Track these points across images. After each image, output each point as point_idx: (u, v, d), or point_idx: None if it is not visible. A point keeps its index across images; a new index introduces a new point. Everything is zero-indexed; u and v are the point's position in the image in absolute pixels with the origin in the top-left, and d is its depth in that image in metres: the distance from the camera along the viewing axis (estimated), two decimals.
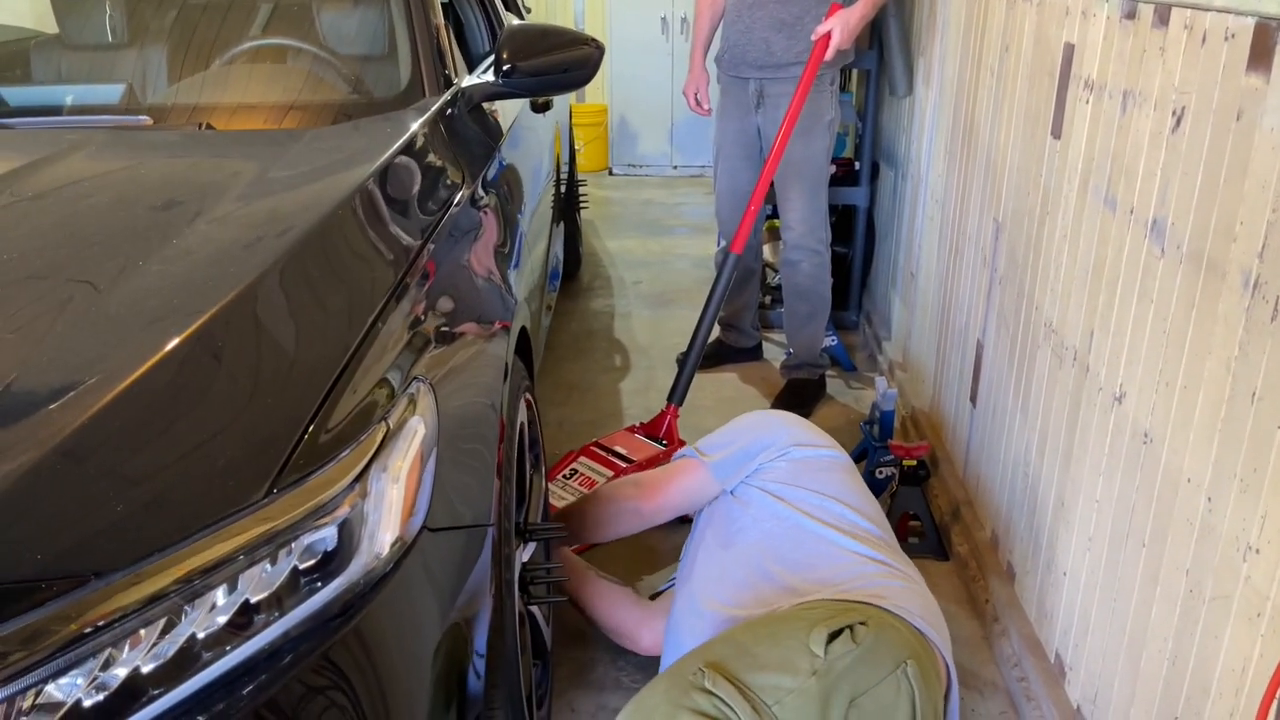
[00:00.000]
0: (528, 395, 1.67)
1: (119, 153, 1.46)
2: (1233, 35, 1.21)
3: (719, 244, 3.17)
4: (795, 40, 2.72)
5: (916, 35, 2.96)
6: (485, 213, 1.75)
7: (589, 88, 6.45)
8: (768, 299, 3.63)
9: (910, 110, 3.03)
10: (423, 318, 1.28)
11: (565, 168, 3.89)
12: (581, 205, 4.32)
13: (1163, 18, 1.39)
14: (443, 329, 1.33)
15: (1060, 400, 1.74)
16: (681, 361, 2.73)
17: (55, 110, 1.87)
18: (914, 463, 2.24)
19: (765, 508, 1.74)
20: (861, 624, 1.34)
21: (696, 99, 3.05)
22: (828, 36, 2.58)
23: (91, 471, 0.87)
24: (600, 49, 2.09)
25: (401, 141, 1.55)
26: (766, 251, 3.55)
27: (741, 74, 2.84)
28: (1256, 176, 1.15)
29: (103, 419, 0.90)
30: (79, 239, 1.21)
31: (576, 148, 4.76)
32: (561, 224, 3.56)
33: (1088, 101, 1.65)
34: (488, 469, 1.27)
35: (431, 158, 1.64)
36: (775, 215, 3.14)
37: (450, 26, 2.39)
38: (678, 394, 2.59)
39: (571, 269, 4.16)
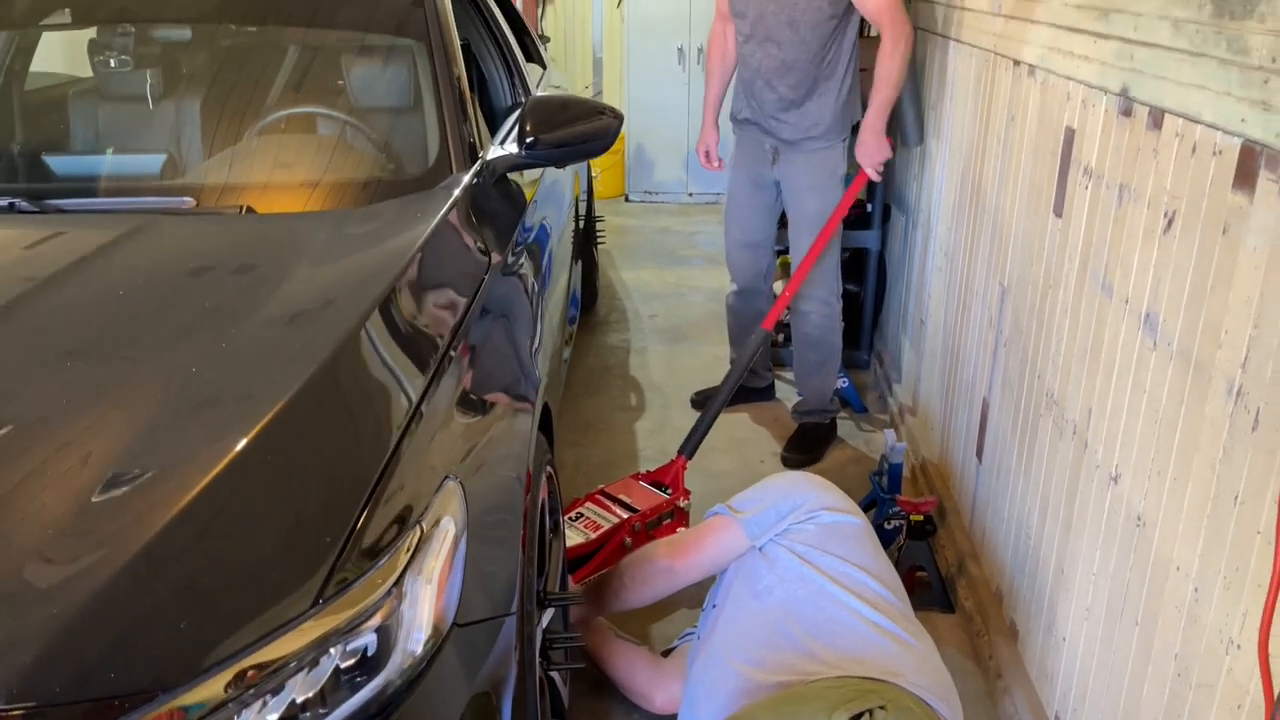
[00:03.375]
0: (549, 468, 1.75)
1: (165, 245, 1.54)
2: (1220, 151, 1.27)
3: (731, 287, 3.24)
4: (803, 118, 2.80)
5: (927, 89, 3.02)
6: (511, 288, 1.83)
7: None
8: (780, 336, 3.69)
9: (921, 160, 3.10)
10: (454, 409, 1.36)
11: (584, 202, 3.98)
12: (599, 240, 4.40)
13: (1156, 121, 1.46)
14: (472, 417, 1.41)
15: (1061, 470, 1.81)
16: (699, 413, 2.81)
17: (95, 181, 1.96)
18: (921, 518, 2.30)
19: (792, 569, 1.82)
20: (881, 708, 1.41)
21: (707, 155, 3.12)
22: (862, 175, 2.84)
23: (157, 589, 0.95)
24: (619, 118, 2.17)
25: (432, 227, 1.63)
26: (778, 287, 3.62)
27: (757, 131, 2.92)
28: (1240, 290, 1.22)
29: (165, 538, 0.98)
30: (123, 341, 1.29)
31: (594, 174, 4.85)
32: (579, 261, 3.64)
33: (1087, 187, 1.72)
34: (512, 554, 1.35)
35: (460, 240, 1.72)
36: (787, 251, 3.22)
37: (472, 77, 2.48)
38: (690, 447, 2.67)
39: (588, 303, 4.25)
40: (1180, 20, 1.38)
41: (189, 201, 1.72)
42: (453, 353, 1.43)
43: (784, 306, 2.90)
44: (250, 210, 1.70)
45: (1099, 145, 1.67)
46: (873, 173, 2.82)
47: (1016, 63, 2.13)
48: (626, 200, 6.25)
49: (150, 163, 2.01)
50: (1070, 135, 1.80)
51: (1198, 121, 1.33)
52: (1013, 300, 2.13)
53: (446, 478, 1.22)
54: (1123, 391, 1.55)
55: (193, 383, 1.19)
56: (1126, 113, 1.56)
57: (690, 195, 6.21)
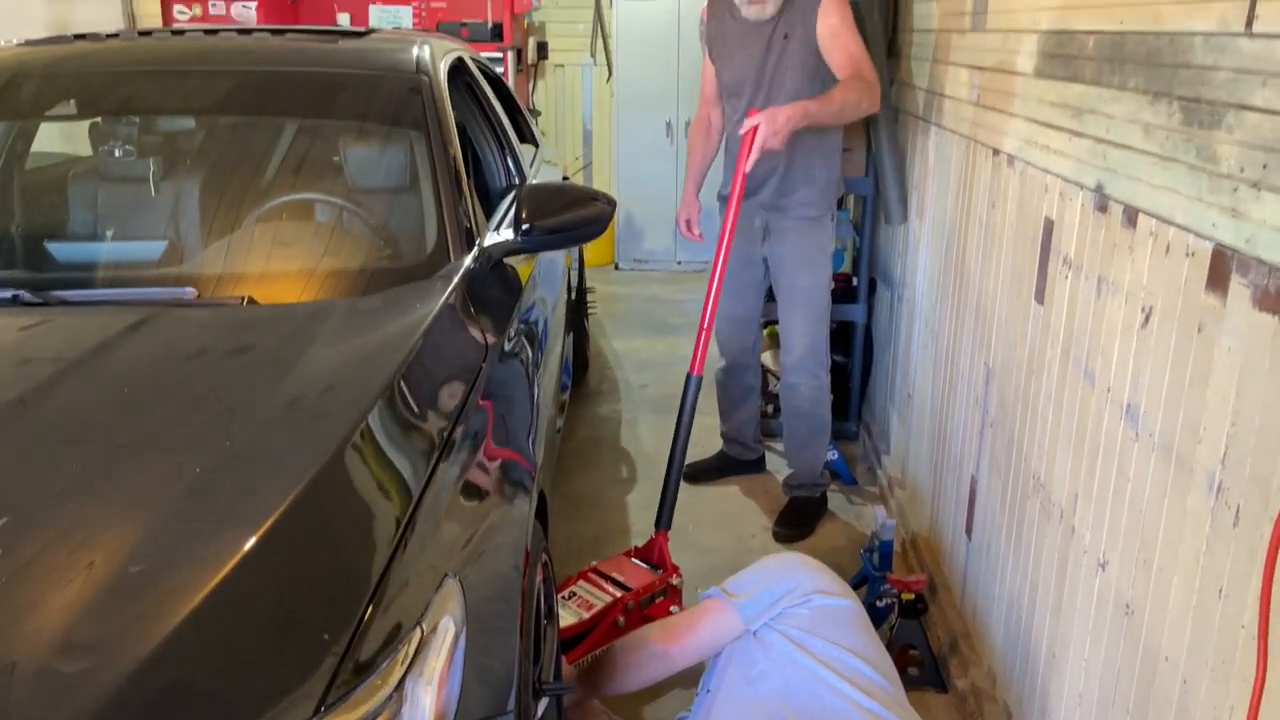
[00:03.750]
0: (544, 555, 1.76)
1: (168, 340, 1.57)
2: (1193, 253, 1.33)
3: (720, 362, 3.28)
4: (788, 183, 2.86)
5: (910, 169, 3.11)
6: (509, 373, 1.86)
7: (597, 185, 6.65)
8: (769, 407, 3.73)
9: (905, 236, 3.17)
10: (454, 500, 1.38)
11: (575, 272, 4.03)
12: (590, 310, 4.45)
13: (1131, 219, 1.51)
14: (471, 508, 1.43)
15: (1049, 553, 1.83)
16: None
17: (98, 269, 2.00)
18: (912, 596, 2.32)
19: (786, 654, 1.82)
20: None
21: (688, 224, 3.17)
22: (753, 131, 2.54)
23: (157, 693, 0.96)
24: (612, 204, 2.22)
25: (432, 317, 1.67)
26: (767, 358, 3.67)
27: (748, 208, 2.98)
28: (1217, 389, 1.26)
29: (165, 641, 0.99)
30: (125, 438, 1.31)
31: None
32: (571, 332, 3.69)
33: (1067, 276, 1.77)
34: (510, 646, 1.36)
35: (459, 329, 1.75)
36: (775, 322, 3.26)
37: (467, 158, 2.54)
38: (663, 519, 2.67)
39: (580, 373, 4.28)
40: (1151, 125, 1.44)
41: (191, 292, 1.75)
42: (452, 443, 1.45)
43: (705, 347, 2.81)
44: (252, 301, 1.73)
45: (1077, 237, 1.73)
46: (754, 147, 2.52)
47: (996, 151, 2.20)
48: (616, 268, 6.33)
49: (152, 250, 2.05)
50: (1049, 225, 1.86)
51: (1170, 223, 1.38)
52: (998, 381, 2.17)
53: (446, 576, 1.23)
54: (1108, 479, 1.58)
55: (196, 482, 1.21)
56: (1102, 208, 1.62)
57: (679, 263, 6.30)
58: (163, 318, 1.64)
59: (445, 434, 1.46)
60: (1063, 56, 1.78)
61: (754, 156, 2.58)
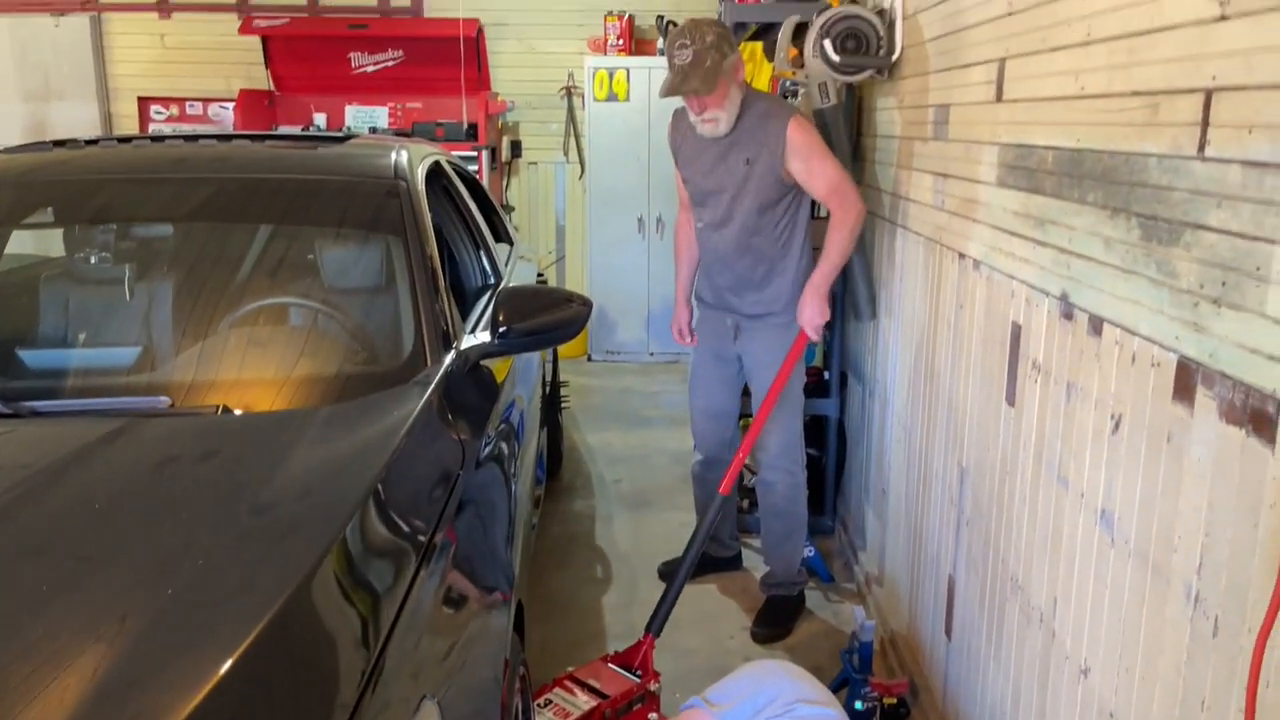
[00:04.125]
0: (522, 667, 1.73)
1: (143, 451, 1.55)
2: (1158, 364, 1.36)
3: (696, 456, 3.28)
4: (763, 294, 2.92)
5: (878, 268, 3.18)
6: (487, 479, 1.85)
7: (570, 278, 6.73)
8: (745, 502, 3.72)
9: (875, 333, 3.23)
10: (433, 614, 1.36)
11: (549, 365, 4.05)
12: (563, 405, 4.45)
13: (1096, 328, 1.55)
14: (450, 621, 1.41)
15: (1031, 658, 1.82)
16: (665, 585, 2.79)
17: (71, 378, 1.98)
18: (894, 700, 2.29)
19: None
20: None
21: (681, 332, 3.21)
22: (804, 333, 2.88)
23: None
24: (588, 305, 2.25)
25: (409, 425, 1.66)
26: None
27: (719, 308, 3.03)
28: (1189, 499, 1.28)
29: None
30: (96, 554, 1.28)
31: None
32: (545, 427, 3.68)
33: (1036, 381, 1.81)
34: None
35: (436, 436, 1.75)
36: (751, 414, 3.27)
37: (443, 259, 2.56)
38: (656, 624, 2.64)
39: (553, 468, 4.25)
40: (1111, 239, 1.49)
41: (165, 401, 1.74)
42: (431, 554, 1.44)
43: (738, 470, 2.92)
44: (227, 410, 1.72)
45: (1045, 343, 1.77)
46: (812, 333, 2.87)
47: (961, 255, 2.26)
48: (589, 360, 6.36)
49: (126, 357, 2.03)
50: (1017, 329, 1.90)
51: (1135, 334, 1.42)
52: (972, 481, 2.18)
53: (424, 697, 1.20)
54: (1086, 584, 1.58)
55: (167, 602, 1.18)
56: (1068, 316, 1.66)
57: (651, 355, 6.34)
58: (136, 428, 1.62)
59: (424, 544, 1.45)
60: (1023, 169, 1.85)
61: (819, 337, 2.94)
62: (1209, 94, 1.24)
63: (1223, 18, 1.21)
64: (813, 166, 2.77)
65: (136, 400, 1.76)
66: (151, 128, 6.21)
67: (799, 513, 3.06)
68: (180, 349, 2.03)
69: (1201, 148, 1.25)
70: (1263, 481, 1.12)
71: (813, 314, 2.84)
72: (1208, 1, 1.24)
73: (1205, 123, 1.25)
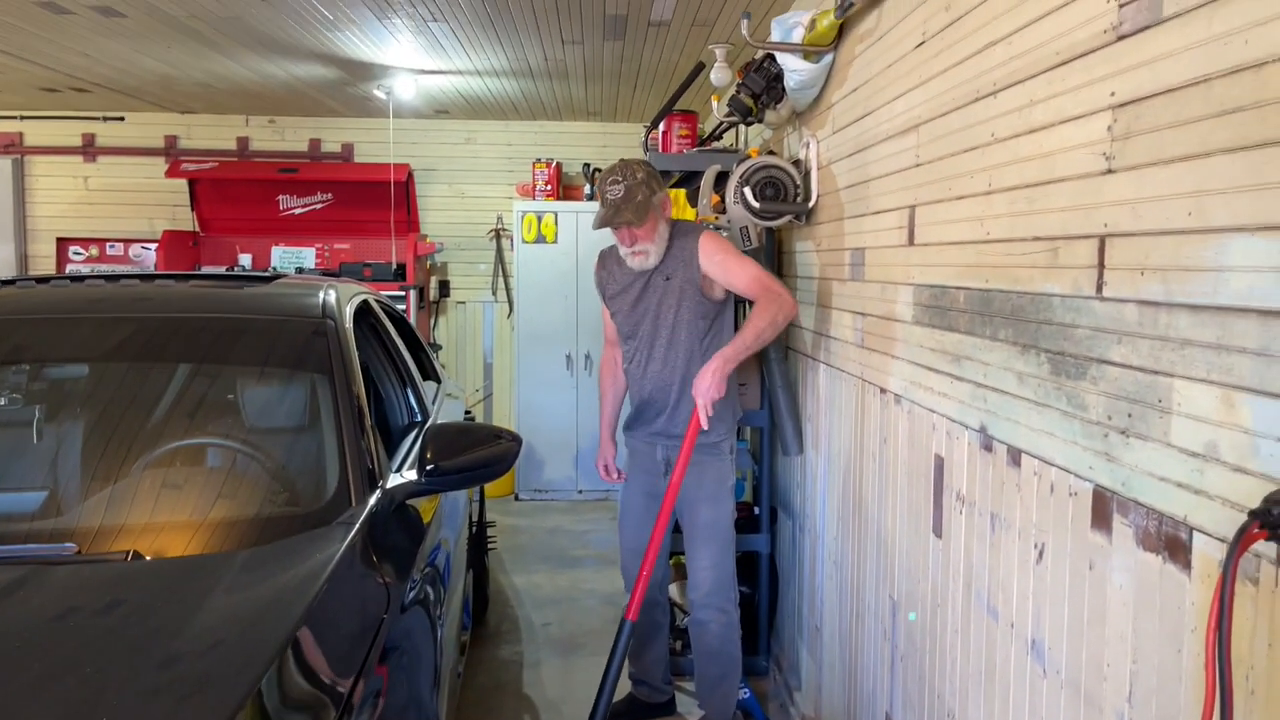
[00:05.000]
0: None
1: (44, 603, 1.46)
2: (1075, 493, 1.41)
3: (627, 597, 3.21)
4: (685, 411, 2.95)
5: (804, 402, 3.24)
6: (412, 622, 1.78)
7: (498, 416, 6.70)
8: (678, 644, 3.63)
9: (803, 467, 3.26)
10: None
11: (476, 504, 3.97)
12: (490, 546, 4.35)
13: (1015, 459, 1.60)
14: None
15: None
16: None
17: None
18: None
19: None
20: None
21: (606, 469, 3.22)
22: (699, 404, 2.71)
23: None
24: (517, 441, 2.24)
25: (330, 569, 1.60)
26: (674, 590, 3.61)
27: (650, 440, 3.04)
28: (1115, 626, 1.30)
29: None
30: None
31: None
32: (471, 569, 3.58)
33: (961, 512, 1.84)
34: None
35: (360, 580, 1.69)
36: (682, 551, 3.23)
37: (370, 397, 2.53)
38: None
39: (479, 612, 4.12)
40: (1024, 374, 1.56)
41: (71, 548, 1.65)
42: (353, 707, 1.36)
43: (644, 589, 2.83)
44: (138, 555, 1.64)
45: (967, 474, 1.81)
46: (703, 407, 2.65)
47: (883, 390, 2.33)
48: (516, 499, 6.26)
49: (30, 502, 1.94)
50: (940, 462, 1.95)
51: (1051, 464, 1.47)
52: (904, 615, 2.18)
53: None
54: (1021, 717, 1.57)
55: None
56: (988, 448, 1.71)
57: (580, 492, 6.28)
58: (38, 577, 1.53)
59: (345, 697, 1.37)
60: (937, 308, 1.94)
61: (706, 416, 2.66)
62: (1103, 239, 1.33)
63: (1110, 171, 1.32)
64: (729, 265, 2.83)
65: (39, 548, 1.66)
66: (69, 268, 6.12)
67: (734, 654, 3.00)
68: (90, 493, 1.94)
69: (1099, 288, 1.34)
70: (1182, 607, 1.15)
71: (707, 387, 2.63)
72: (1096, 156, 1.35)
73: (1102, 265, 1.33)
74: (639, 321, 2.98)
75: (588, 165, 6.24)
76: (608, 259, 3.09)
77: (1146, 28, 1.24)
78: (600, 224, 2.82)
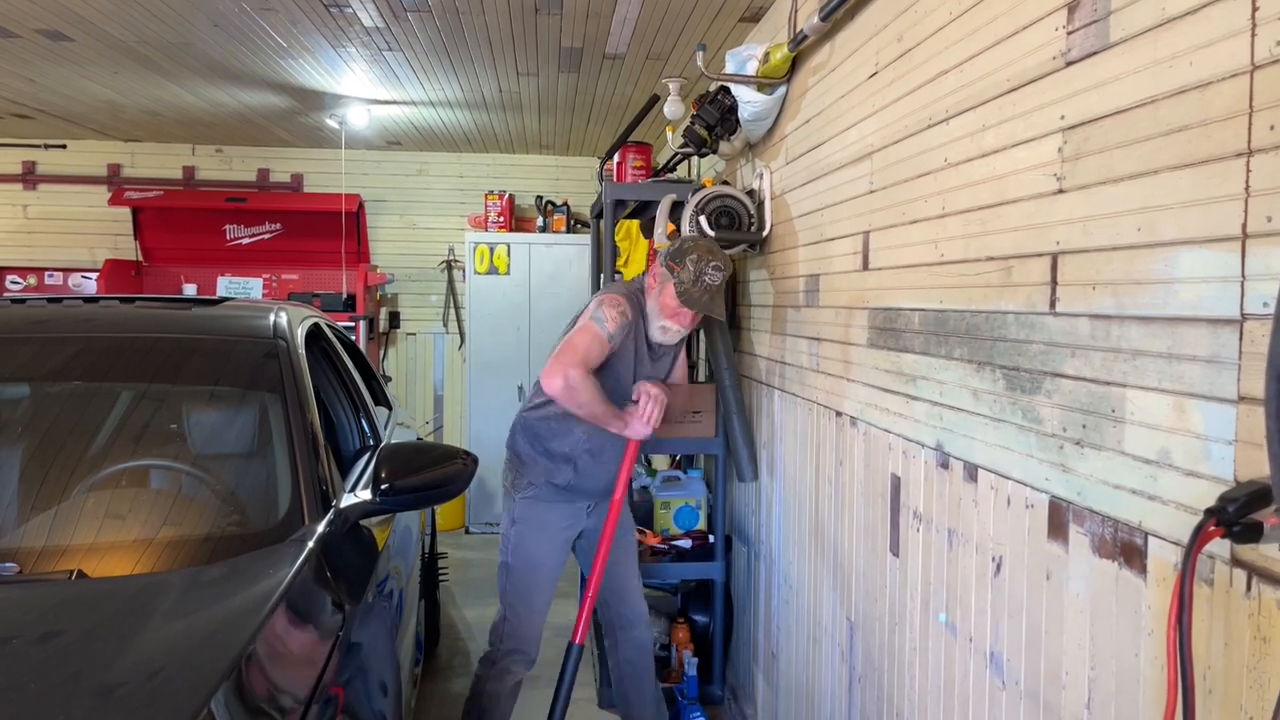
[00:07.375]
0: None
1: None
2: (1031, 505, 1.43)
3: (518, 669, 3.10)
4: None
5: (758, 430, 3.26)
6: (365, 644, 1.75)
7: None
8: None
9: (758, 495, 3.27)
10: None
11: (428, 536, 3.91)
12: (442, 578, 4.28)
13: (971, 475, 1.63)
14: None
15: None
16: None
17: None
18: None
19: None
20: None
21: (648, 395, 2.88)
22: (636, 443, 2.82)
23: None
24: (474, 462, 2.22)
25: (283, 587, 1.57)
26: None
27: (578, 501, 2.96)
28: (1072, 634, 1.32)
29: None
30: None
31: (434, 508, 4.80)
32: (423, 600, 3.52)
33: (918, 530, 1.86)
34: None
35: (312, 599, 1.65)
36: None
37: (322, 420, 2.49)
38: None
39: (430, 646, 4.04)
40: (979, 390, 1.59)
41: (11, 568, 1.59)
42: None
43: (590, 615, 2.84)
44: (82, 575, 1.58)
45: (924, 492, 1.83)
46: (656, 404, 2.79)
47: (838, 413, 2.35)
48: (467, 532, 6.18)
49: None
50: (896, 481, 1.97)
51: (1008, 478, 1.50)
52: (862, 636, 2.19)
53: None
54: None
55: None
56: (944, 465, 1.74)
57: None
58: None
59: (297, 717, 1.34)
60: (892, 330, 1.98)
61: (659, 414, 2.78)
62: (1055, 257, 1.37)
63: (1061, 191, 1.36)
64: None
65: None
66: (5, 298, 5.94)
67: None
68: (34, 512, 1.88)
69: (1052, 304, 1.38)
70: (1139, 611, 1.18)
71: (658, 392, 2.78)
72: (1047, 177, 1.39)
73: (1054, 282, 1.37)
74: (629, 386, 2.85)
75: (540, 198, 6.26)
76: (637, 325, 2.82)
77: (1095, 53, 1.29)
78: (702, 310, 2.69)
